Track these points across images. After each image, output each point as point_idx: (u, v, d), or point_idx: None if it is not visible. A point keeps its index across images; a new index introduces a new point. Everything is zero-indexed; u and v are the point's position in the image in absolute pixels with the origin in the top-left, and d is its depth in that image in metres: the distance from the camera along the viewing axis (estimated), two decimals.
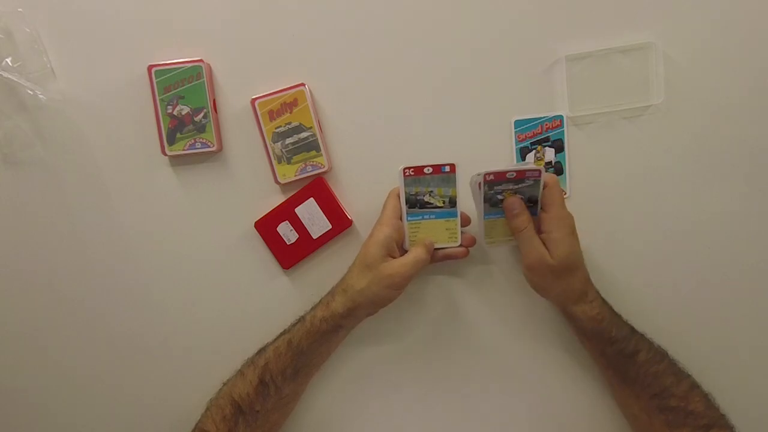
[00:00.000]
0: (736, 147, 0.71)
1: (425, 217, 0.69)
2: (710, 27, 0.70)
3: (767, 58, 0.70)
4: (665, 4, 0.70)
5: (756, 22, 0.69)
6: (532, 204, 0.66)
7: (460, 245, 0.70)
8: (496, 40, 0.72)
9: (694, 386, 0.66)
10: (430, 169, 0.68)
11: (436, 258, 0.71)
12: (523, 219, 0.65)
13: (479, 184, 0.66)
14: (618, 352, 0.66)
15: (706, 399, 0.65)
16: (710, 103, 0.71)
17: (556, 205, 0.65)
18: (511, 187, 0.66)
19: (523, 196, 0.66)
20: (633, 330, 0.67)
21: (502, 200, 0.67)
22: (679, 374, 0.66)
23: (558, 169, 0.73)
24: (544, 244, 0.65)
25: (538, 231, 0.66)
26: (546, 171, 0.65)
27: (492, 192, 0.66)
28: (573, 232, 0.65)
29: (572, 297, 0.67)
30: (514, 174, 0.65)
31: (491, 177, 0.65)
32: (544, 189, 0.65)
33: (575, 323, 0.68)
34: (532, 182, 0.65)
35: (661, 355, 0.67)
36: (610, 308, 0.68)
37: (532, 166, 0.66)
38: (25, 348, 0.79)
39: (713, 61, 0.70)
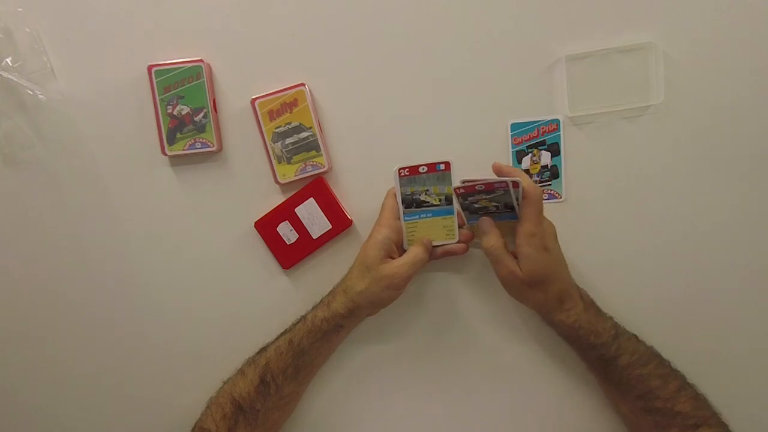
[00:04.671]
0: (736, 147, 0.71)
1: (422, 216, 0.70)
2: (710, 27, 0.70)
3: (767, 58, 0.70)
4: (665, 4, 0.70)
5: (756, 22, 0.69)
6: (510, 209, 0.66)
7: (459, 241, 0.70)
8: (497, 40, 0.72)
9: (683, 387, 0.66)
10: (425, 168, 0.68)
11: (436, 255, 0.71)
12: (489, 238, 0.66)
13: (455, 192, 0.67)
14: (598, 357, 0.67)
15: (695, 399, 0.65)
16: (710, 103, 0.71)
17: (529, 220, 0.64)
18: (484, 197, 0.66)
19: (498, 204, 0.66)
20: (616, 336, 0.67)
21: (479, 208, 0.68)
22: (667, 376, 0.66)
23: (554, 172, 0.73)
24: (517, 256, 0.65)
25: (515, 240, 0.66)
26: (521, 182, 0.63)
27: (467, 202, 0.68)
28: (545, 248, 0.65)
29: (547, 307, 0.67)
30: (483, 186, 0.65)
31: (461, 190, 0.66)
32: (523, 200, 0.64)
33: (555, 329, 0.69)
34: (502, 192, 0.65)
35: (646, 358, 0.66)
36: (594, 313, 0.68)
37: (500, 178, 0.64)
38: (25, 348, 0.79)
39: (713, 61, 0.70)
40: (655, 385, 0.65)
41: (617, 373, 0.66)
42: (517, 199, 0.65)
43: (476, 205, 0.67)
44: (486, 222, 0.67)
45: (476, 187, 0.65)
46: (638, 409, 0.66)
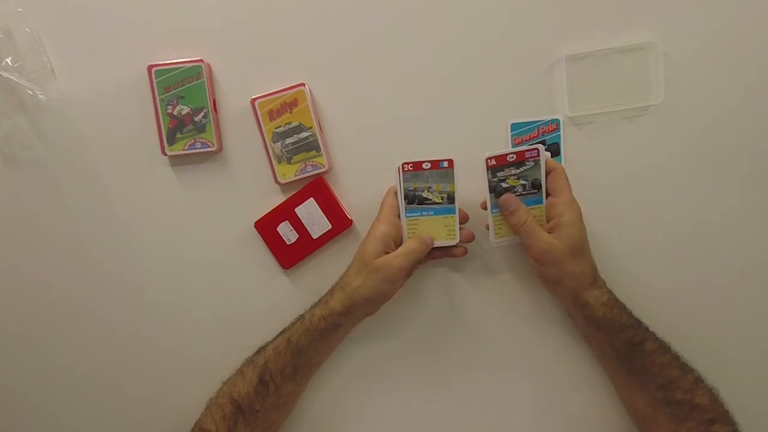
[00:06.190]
0: (736, 147, 0.71)
1: (423, 213, 0.70)
2: (710, 27, 0.70)
3: (767, 58, 0.70)
4: (665, 4, 0.70)
5: (756, 22, 0.69)
6: (536, 190, 0.67)
7: (459, 242, 0.70)
8: (496, 40, 0.72)
9: (699, 380, 0.66)
10: (429, 164, 0.68)
11: (435, 257, 0.71)
12: (521, 214, 0.66)
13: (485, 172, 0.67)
14: (627, 341, 0.66)
15: (711, 393, 0.65)
16: (710, 103, 0.71)
17: (565, 189, 0.66)
18: (514, 171, 0.66)
19: (526, 181, 0.66)
20: (639, 319, 0.67)
21: (506, 188, 0.67)
22: (685, 367, 0.66)
23: None
24: (553, 229, 0.65)
25: (547, 217, 0.67)
26: (543, 149, 0.66)
27: (496, 180, 0.67)
28: (581, 218, 0.66)
29: (585, 282, 0.66)
30: (515, 156, 0.66)
31: (493, 162, 0.66)
32: (549, 175, 0.66)
33: (587, 312, 0.66)
34: (532, 164, 0.66)
35: (666, 346, 0.66)
36: (616, 297, 0.68)
37: (530, 146, 0.66)
38: (25, 348, 0.79)
39: (713, 61, 0.70)
40: (676, 375, 0.65)
41: (642, 359, 0.65)
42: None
43: (504, 185, 0.67)
44: (512, 198, 0.66)
45: (507, 158, 0.66)
46: (658, 400, 0.65)
